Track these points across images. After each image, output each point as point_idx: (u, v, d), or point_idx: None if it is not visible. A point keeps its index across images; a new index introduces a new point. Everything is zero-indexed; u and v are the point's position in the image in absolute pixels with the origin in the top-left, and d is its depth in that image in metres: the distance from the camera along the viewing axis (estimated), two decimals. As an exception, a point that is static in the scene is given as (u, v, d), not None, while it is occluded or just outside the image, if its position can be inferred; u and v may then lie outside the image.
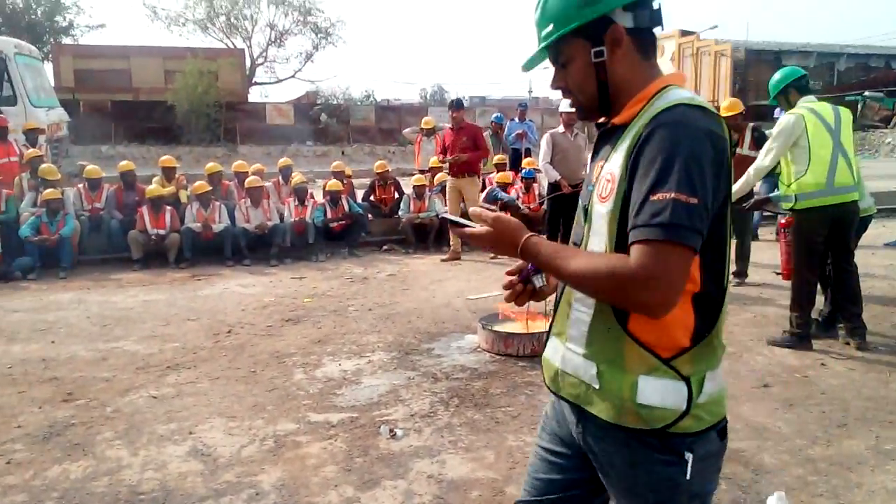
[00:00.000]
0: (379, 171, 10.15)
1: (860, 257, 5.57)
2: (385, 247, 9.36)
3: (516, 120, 12.18)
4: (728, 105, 6.85)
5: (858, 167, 4.80)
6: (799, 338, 4.81)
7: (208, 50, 33.60)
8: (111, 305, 6.49)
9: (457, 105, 8.63)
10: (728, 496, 2.90)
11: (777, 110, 10.08)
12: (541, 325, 5.07)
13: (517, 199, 9.97)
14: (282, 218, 8.80)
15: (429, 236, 9.33)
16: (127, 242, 8.26)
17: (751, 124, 6.78)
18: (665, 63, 50.02)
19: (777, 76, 5.00)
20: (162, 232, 8.27)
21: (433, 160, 9.69)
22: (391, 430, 3.55)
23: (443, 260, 8.43)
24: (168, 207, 8.47)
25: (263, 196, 8.83)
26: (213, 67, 28.51)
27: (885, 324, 5.38)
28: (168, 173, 9.15)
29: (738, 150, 6.56)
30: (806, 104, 4.76)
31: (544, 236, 1.47)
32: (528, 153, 11.33)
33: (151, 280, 7.62)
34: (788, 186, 4.73)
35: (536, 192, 9.96)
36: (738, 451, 3.30)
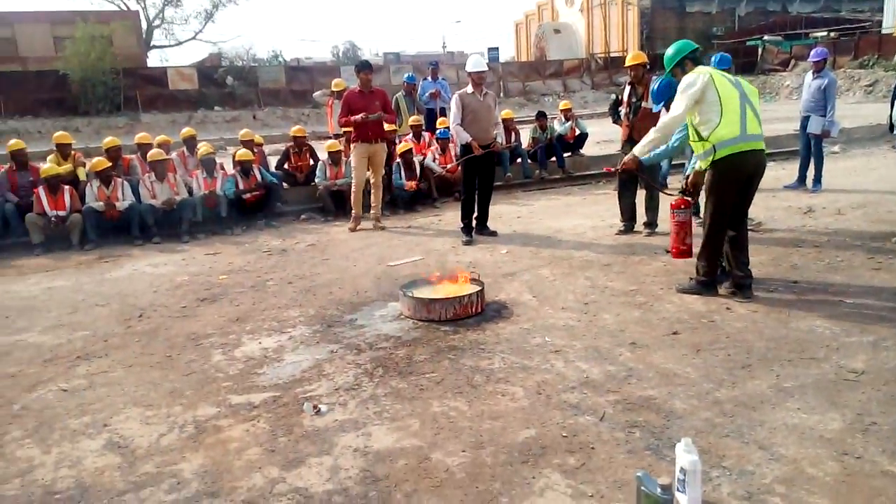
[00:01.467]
0: (297, 135, 9.84)
1: (762, 200, 5.85)
2: (303, 216, 9.18)
3: (429, 79, 12.01)
4: (633, 56, 6.96)
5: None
6: (705, 285, 5.02)
7: (100, 13, 31.71)
8: (12, 295, 6.14)
9: (365, 67, 8.24)
10: (642, 443, 3.04)
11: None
12: (460, 289, 5.12)
13: (434, 160, 9.95)
14: (191, 192, 8.47)
15: (347, 203, 9.17)
16: (25, 226, 7.79)
17: (654, 77, 6.92)
18: (574, 14, 50.44)
19: (672, 50, 5.11)
20: (62, 213, 7.83)
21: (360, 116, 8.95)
22: (315, 407, 3.53)
23: (350, 229, 8.24)
24: (66, 187, 8.01)
25: (169, 169, 8.48)
26: (105, 32, 26.90)
27: (784, 265, 5.70)
28: (63, 150, 8.60)
29: (644, 104, 6.71)
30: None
31: None
32: (444, 112, 11.26)
33: (55, 265, 7.22)
34: (702, 143, 4.78)
35: (453, 152, 9.95)
36: (650, 398, 3.46)
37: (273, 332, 4.79)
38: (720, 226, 4.93)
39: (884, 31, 33.68)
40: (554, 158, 11.49)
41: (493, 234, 7.52)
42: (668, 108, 5.88)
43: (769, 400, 3.37)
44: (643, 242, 6.82)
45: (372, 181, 8.23)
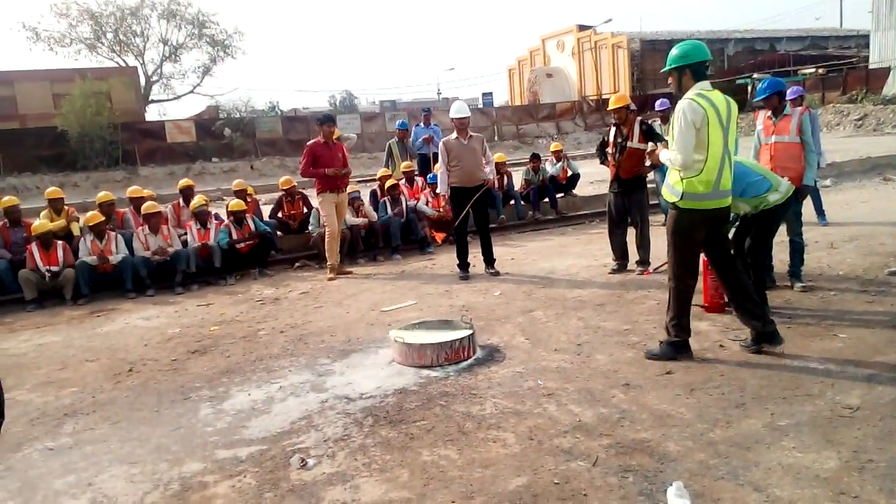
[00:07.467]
0: (284, 187, 9.94)
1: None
2: (297, 264, 9.18)
3: (422, 125, 12.18)
4: (616, 98, 7.06)
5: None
6: (678, 346, 4.54)
7: (98, 70, 32.30)
8: (2, 352, 6.08)
9: (328, 120, 8.43)
10: (635, 488, 2.97)
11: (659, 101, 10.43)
12: (448, 333, 5.07)
13: (426, 204, 9.99)
14: (185, 243, 8.49)
15: (342, 249, 9.19)
16: (18, 283, 7.77)
17: (639, 118, 7.01)
18: (566, 58, 51.37)
19: (677, 51, 4.41)
20: (55, 269, 7.81)
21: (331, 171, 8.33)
22: (302, 460, 3.46)
23: (329, 279, 8.16)
24: (59, 242, 8.02)
25: (162, 221, 8.49)
26: (104, 88, 27.38)
27: (777, 300, 5.66)
28: (55, 205, 8.65)
29: (629, 144, 6.77)
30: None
31: None
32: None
33: (46, 321, 7.18)
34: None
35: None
36: (644, 441, 3.40)
37: (263, 382, 4.73)
38: (687, 279, 4.55)
39: (871, 67, 34.25)
40: (547, 199, 11.56)
41: (497, 273, 7.58)
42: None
43: (764, 439, 3.31)
44: (636, 281, 6.80)
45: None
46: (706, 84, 4.35)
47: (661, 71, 4.76)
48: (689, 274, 4.55)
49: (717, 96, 4.31)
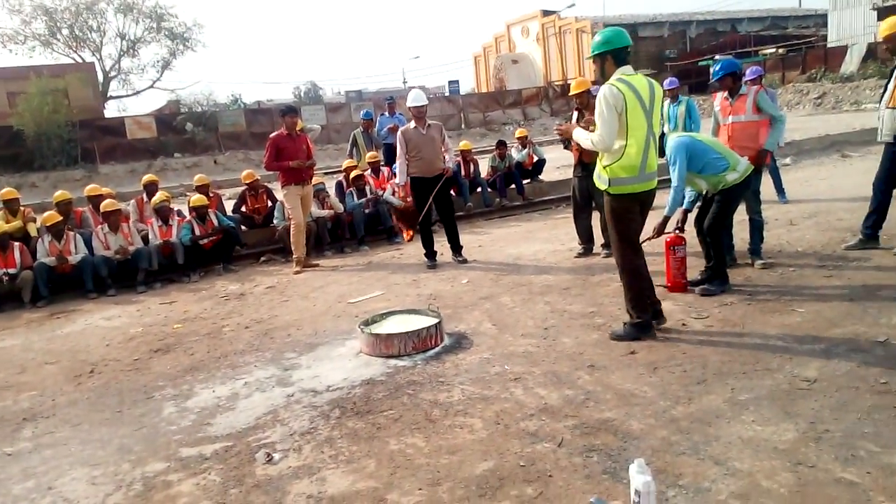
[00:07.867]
0: (247, 180, 9.81)
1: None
2: (263, 258, 9.06)
3: (386, 114, 12.11)
4: (576, 83, 7.10)
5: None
6: (641, 327, 4.58)
7: (54, 67, 31.37)
8: (-43, 359, 5.92)
9: (291, 111, 8.25)
10: (599, 467, 3.00)
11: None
12: (415, 322, 5.07)
13: (393, 194, 9.93)
14: (146, 240, 8.32)
15: (308, 242, 9.09)
16: (-26, 287, 7.57)
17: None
18: (531, 44, 51.43)
19: (600, 37, 4.51)
20: (12, 271, 7.61)
21: (296, 163, 8.11)
22: (268, 455, 3.43)
23: (295, 272, 8.07)
24: (16, 244, 7.81)
25: (122, 220, 8.31)
26: (60, 85, 26.61)
27: (738, 277, 5.75)
28: (11, 206, 8.38)
29: (591, 128, 6.79)
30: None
31: None
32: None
33: (4, 325, 6.99)
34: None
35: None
36: (608, 420, 3.43)
37: (227, 379, 4.67)
38: (629, 260, 4.63)
39: (829, 46, 34.90)
40: (513, 186, 11.59)
41: (464, 261, 7.58)
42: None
43: (724, 414, 3.37)
44: (601, 264, 6.85)
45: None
46: (628, 69, 4.48)
47: (586, 58, 4.90)
48: (634, 253, 4.64)
49: (639, 80, 4.43)
